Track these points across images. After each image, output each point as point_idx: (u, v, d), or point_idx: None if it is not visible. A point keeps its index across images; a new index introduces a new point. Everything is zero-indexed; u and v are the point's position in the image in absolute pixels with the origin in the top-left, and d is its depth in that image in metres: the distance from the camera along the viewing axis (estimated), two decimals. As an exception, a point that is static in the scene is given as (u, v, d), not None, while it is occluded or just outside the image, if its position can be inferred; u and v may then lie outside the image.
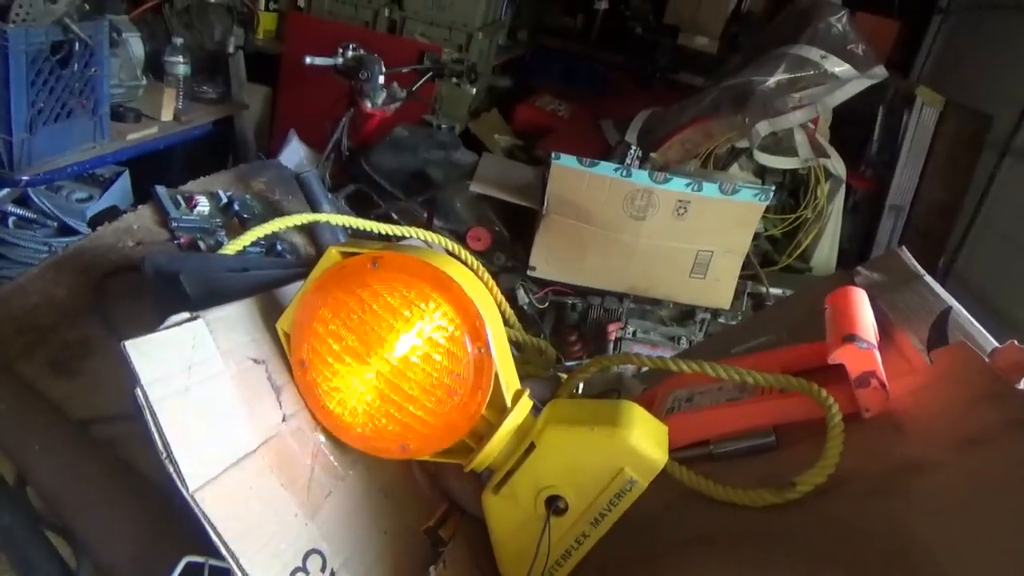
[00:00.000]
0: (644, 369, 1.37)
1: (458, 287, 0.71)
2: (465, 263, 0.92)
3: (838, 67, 2.33)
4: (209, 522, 0.59)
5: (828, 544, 0.66)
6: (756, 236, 2.13)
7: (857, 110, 2.73)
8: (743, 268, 1.91)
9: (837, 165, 2.47)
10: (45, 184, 1.81)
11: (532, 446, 0.73)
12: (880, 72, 2.44)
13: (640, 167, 1.79)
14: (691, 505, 0.80)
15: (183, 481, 0.59)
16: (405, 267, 0.72)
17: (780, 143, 2.36)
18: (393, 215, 1.94)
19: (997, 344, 0.85)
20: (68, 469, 0.71)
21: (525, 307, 1.89)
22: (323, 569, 0.67)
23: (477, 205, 1.98)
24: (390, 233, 1.08)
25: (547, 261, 1.85)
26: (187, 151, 2.26)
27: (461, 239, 1.79)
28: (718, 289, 1.85)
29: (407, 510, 0.82)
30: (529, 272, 1.87)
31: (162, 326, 0.64)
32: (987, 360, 0.77)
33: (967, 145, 2.90)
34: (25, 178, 1.66)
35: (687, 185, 1.72)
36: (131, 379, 0.59)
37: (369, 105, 2.14)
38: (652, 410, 0.78)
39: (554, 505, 0.73)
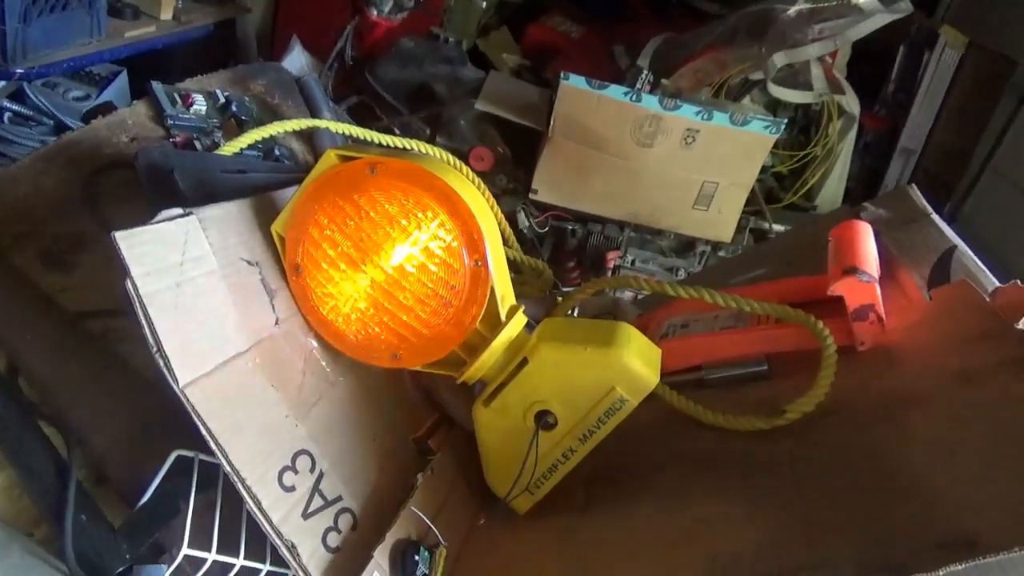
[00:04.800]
0: (640, 296, 1.37)
1: (458, 198, 0.69)
2: (467, 178, 0.90)
3: (862, -1, 2.25)
4: (199, 417, 0.59)
5: (815, 470, 0.66)
6: (763, 171, 2.09)
7: (876, 47, 2.64)
8: (747, 203, 1.88)
9: (851, 102, 2.41)
10: (41, 79, 1.76)
11: (525, 361, 0.73)
12: (905, 7, 2.35)
13: (651, 93, 1.74)
14: (680, 428, 0.81)
15: (173, 375, 0.59)
16: (404, 174, 0.70)
17: (796, 76, 2.29)
18: (395, 129, 1.90)
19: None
20: (60, 360, 0.71)
21: (525, 231, 1.87)
22: (312, 470, 0.68)
23: (481, 124, 1.93)
24: (392, 144, 1.06)
25: (550, 185, 1.82)
26: (186, 54, 2.19)
27: (463, 158, 1.75)
28: (721, 222, 1.83)
29: (396, 419, 0.83)
30: (531, 195, 1.84)
31: (154, 220, 0.62)
32: (987, 299, 0.76)
33: (987, 90, 2.83)
34: (20, 70, 1.62)
35: (697, 113, 1.68)
36: (121, 271, 0.58)
37: (375, 13, 2.07)
38: (646, 335, 0.77)
39: (543, 420, 0.74)
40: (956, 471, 0.59)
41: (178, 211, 0.65)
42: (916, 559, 0.50)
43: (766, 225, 2.03)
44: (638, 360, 0.71)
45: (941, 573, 0.48)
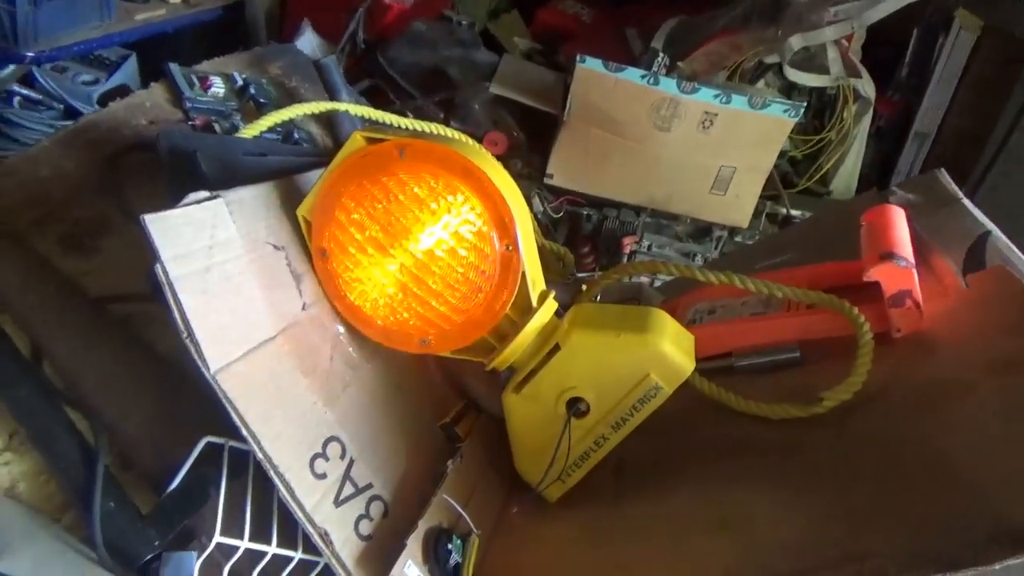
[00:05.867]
0: (658, 283, 1.35)
1: (489, 181, 0.68)
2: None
3: (879, -19, 2.21)
4: (231, 403, 0.58)
5: (854, 460, 0.65)
6: (778, 156, 2.07)
7: (889, 30, 2.61)
8: (764, 188, 1.86)
9: (867, 86, 2.38)
10: (51, 63, 1.74)
11: (557, 347, 0.72)
12: (921, -11, 2.32)
13: (668, 76, 1.71)
14: (711, 416, 0.80)
15: (204, 361, 0.58)
16: (434, 157, 0.68)
17: (812, 59, 2.26)
18: (408, 113, 1.88)
19: (1037, 270, 0.82)
20: (84, 344, 0.70)
21: (540, 216, 1.85)
22: (342, 456, 0.67)
23: (495, 108, 1.91)
24: (416, 128, 1.04)
25: (565, 169, 1.81)
26: (195, 37, 2.18)
27: (477, 142, 1.74)
28: (738, 207, 1.81)
29: (424, 405, 0.82)
30: (546, 180, 1.83)
31: (182, 203, 0.61)
32: (1026, 285, 0.75)
33: (1002, 74, 2.80)
34: (30, 54, 1.60)
35: (715, 96, 1.66)
36: (151, 255, 0.57)
37: (387, -4, 2.05)
38: (673, 320, 0.76)
39: (575, 407, 0.72)
40: (1002, 463, 0.58)
41: (205, 194, 0.64)
42: (969, 552, 0.49)
43: (782, 210, 2.01)
44: (673, 347, 0.69)
45: (997, 567, 0.47)
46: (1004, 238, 0.90)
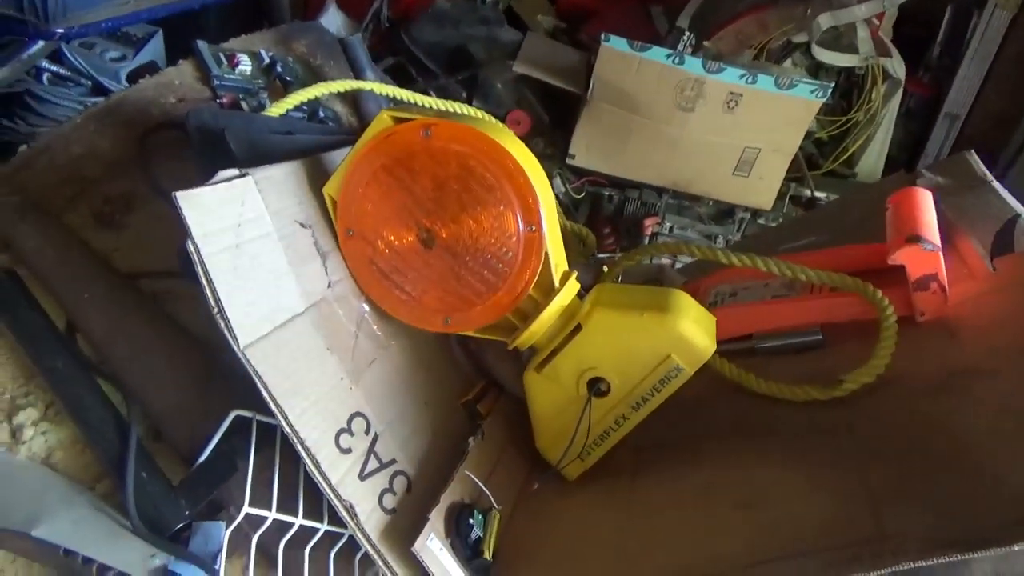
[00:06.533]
0: (679, 264, 1.35)
1: (514, 162, 0.68)
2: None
3: (912, -42, 2.17)
4: (260, 378, 0.60)
5: (875, 442, 0.65)
6: (804, 137, 2.04)
7: (922, 9, 2.56)
8: (788, 170, 1.84)
9: (897, 66, 2.34)
10: (79, 39, 1.76)
11: (578, 327, 0.72)
12: (956, -34, 2.26)
13: (693, 55, 1.70)
14: (731, 397, 0.80)
15: (234, 336, 0.59)
16: (459, 137, 0.69)
17: (840, 38, 2.23)
18: (431, 92, 1.88)
19: (1066, 255, 0.81)
20: (116, 319, 0.72)
21: (561, 196, 1.85)
22: (367, 432, 0.68)
23: (518, 87, 1.91)
24: (440, 108, 1.04)
25: (588, 149, 1.80)
26: (221, 14, 2.18)
27: (501, 121, 1.73)
28: (762, 189, 1.80)
29: (446, 383, 0.83)
30: (568, 160, 1.82)
31: (212, 181, 0.62)
32: (1056, 270, 0.74)
33: (1038, 54, 2.73)
34: (60, 30, 1.61)
35: (741, 77, 1.64)
36: (182, 231, 0.58)
37: (411, -26, 2.04)
38: (696, 302, 0.76)
39: (596, 387, 0.73)
40: (1021, 447, 0.58)
41: (234, 172, 0.65)
42: (990, 534, 0.49)
43: (807, 192, 1.99)
44: (695, 328, 0.70)
45: (1017, 548, 0.48)
46: (1034, 222, 0.89)
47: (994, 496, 0.54)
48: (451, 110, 1.03)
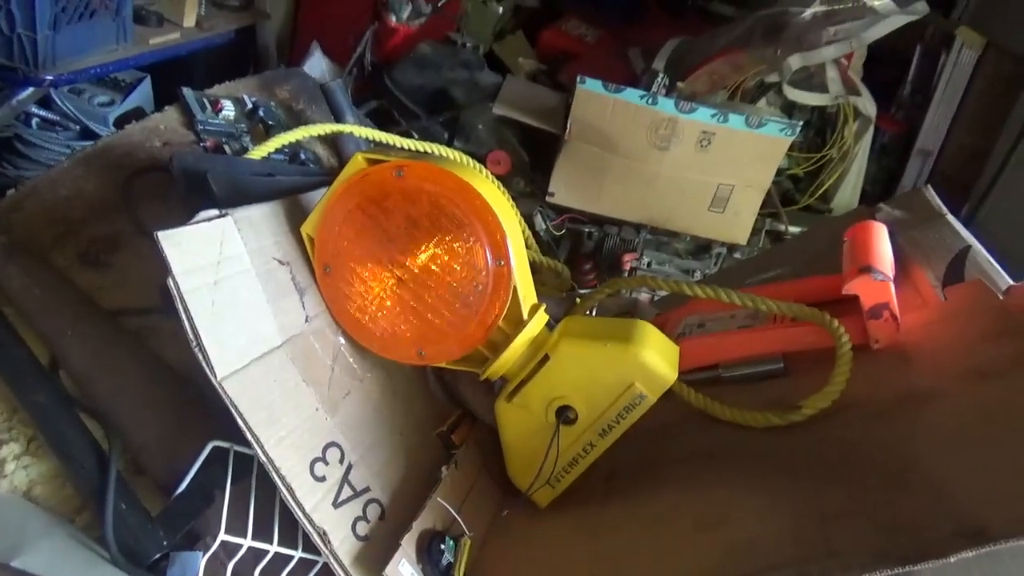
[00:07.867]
0: (658, 297, 1.38)
1: (482, 200, 0.72)
2: (490, 180, 0.92)
3: (877, 0, 2.25)
4: (236, 409, 0.62)
5: (830, 464, 0.68)
6: (778, 174, 2.10)
7: (892, 49, 2.64)
8: (763, 205, 1.89)
9: (867, 104, 2.41)
10: (69, 85, 1.80)
11: (546, 358, 0.75)
12: (921, 8, 2.35)
13: (667, 96, 1.76)
14: (697, 423, 0.83)
15: (212, 369, 0.61)
16: (430, 177, 0.72)
17: (811, 78, 2.30)
18: (413, 134, 1.93)
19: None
20: (99, 355, 0.74)
21: (542, 233, 1.89)
22: (341, 461, 0.70)
23: (498, 128, 1.96)
24: (416, 148, 1.08)
25: (567, 187, 1.84)
26: (208, 60, 2.23)
27: (481, 162, 1.78)
28: (737, 224, 1.84)
29: (421, 414, 0.85)
30: (548, 198, 1.86)
31: (192, 220, 0.65)
32: (1001, 297, 0.77)
33: (1005, 91, 2.82)
34: (49, 77, 1.66)
35: (713, 116, 1.70)
36: (163, 269, 0.61)
37: (394, 19, 2.10)
38: (664, 333, 0.79)
39: (564, 415, 0.76)
40: (968, 464, 0.61)
41: (214, 212, 0.68)
42: (929, 547, 0.52)
43: (782, 227, 2.04)
44: (657, 357, 0.73)
45: (952, 559, 0.50)
46: (985, 252, 0.93)
47: (936, 511, 0.56)
48: (425, 150, 1.07)
